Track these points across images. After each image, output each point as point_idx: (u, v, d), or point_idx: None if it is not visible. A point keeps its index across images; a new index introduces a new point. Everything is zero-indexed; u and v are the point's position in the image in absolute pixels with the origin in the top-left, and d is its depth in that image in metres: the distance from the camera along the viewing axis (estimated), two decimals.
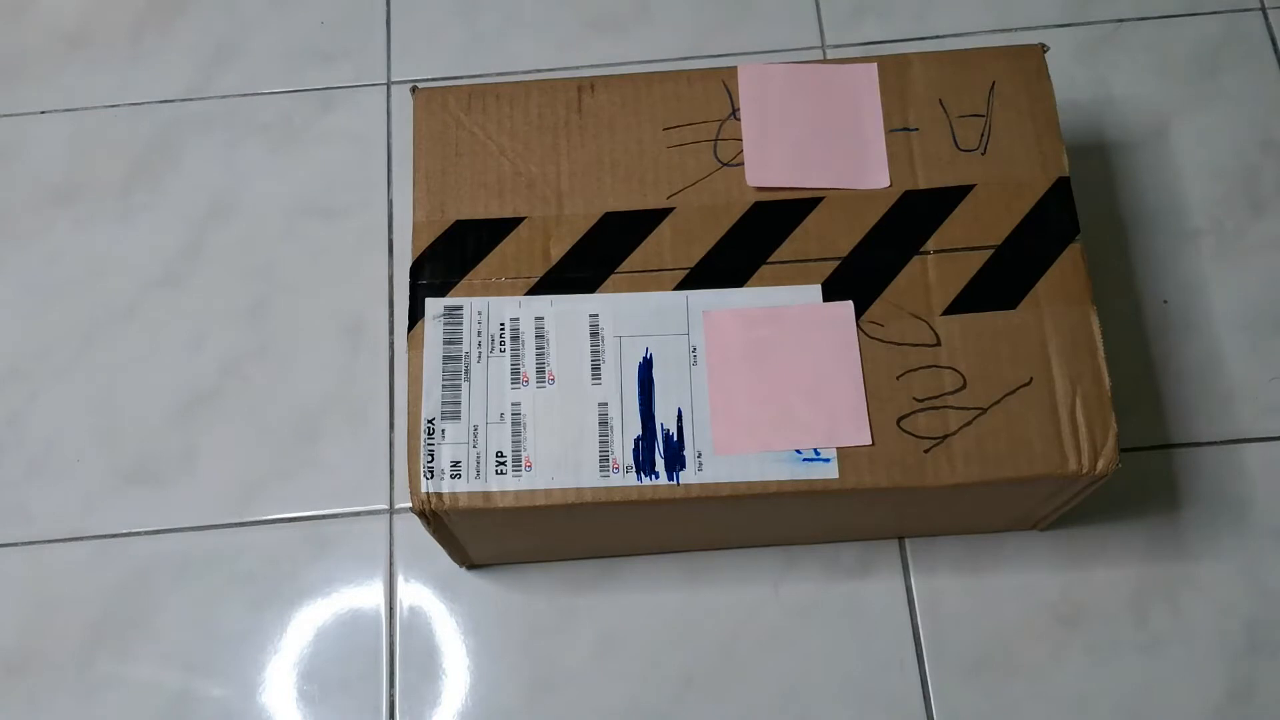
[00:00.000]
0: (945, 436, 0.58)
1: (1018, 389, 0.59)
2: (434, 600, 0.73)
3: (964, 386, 0.59)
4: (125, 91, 0.87)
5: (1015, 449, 0.58)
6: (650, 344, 0.60)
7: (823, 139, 0.64)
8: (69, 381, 0.79)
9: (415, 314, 0.61)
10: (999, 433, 0.58)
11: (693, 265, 0.61)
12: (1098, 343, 0.60)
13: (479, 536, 0.66)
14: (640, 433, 0.58)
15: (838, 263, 0.61)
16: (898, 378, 0.59)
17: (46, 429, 0.78)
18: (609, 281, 0.61)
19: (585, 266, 0.61)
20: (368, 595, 0.73)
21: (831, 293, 0.61)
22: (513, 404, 0.59)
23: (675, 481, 0.58)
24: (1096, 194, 0.81)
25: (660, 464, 0.58)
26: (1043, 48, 0.66)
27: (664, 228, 0.62)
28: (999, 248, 0.62)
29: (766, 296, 0.61)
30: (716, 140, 0.64)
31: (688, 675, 0.70)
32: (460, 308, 0.61)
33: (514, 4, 0.89)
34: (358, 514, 0.75)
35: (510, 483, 0.58)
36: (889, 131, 0.64)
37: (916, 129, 0.64)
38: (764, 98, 0.65)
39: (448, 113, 0.65)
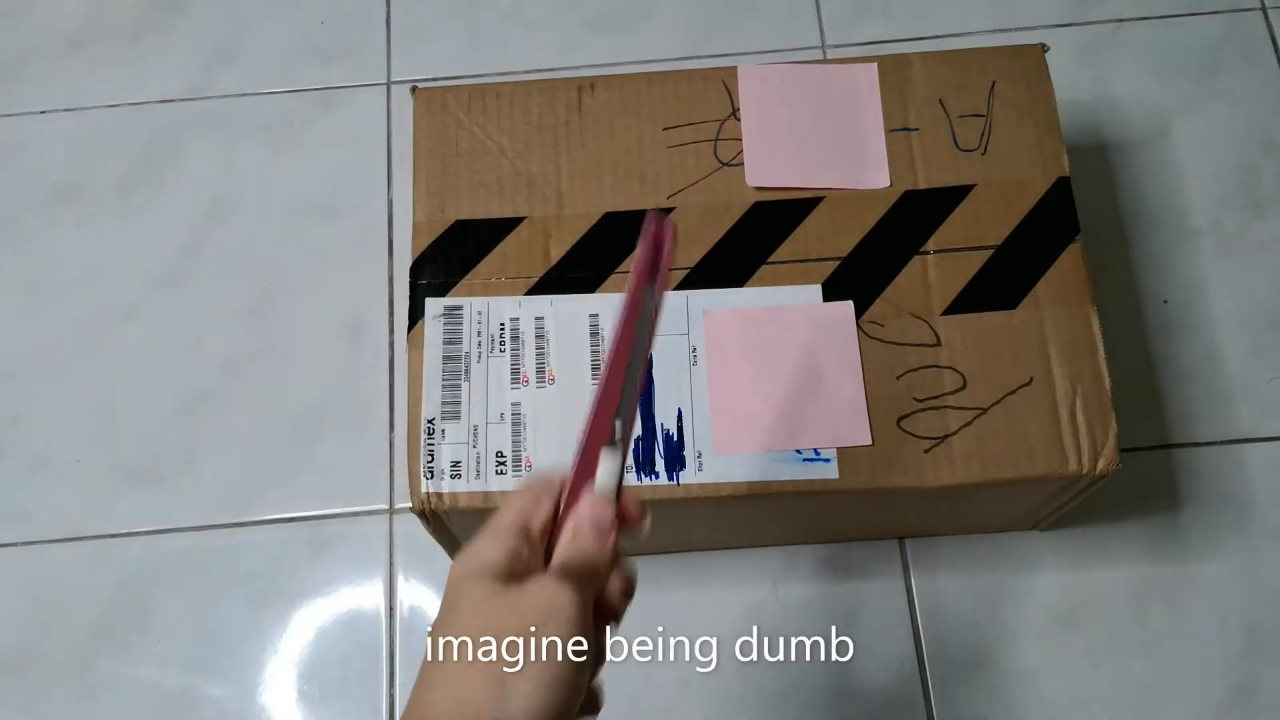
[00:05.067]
0: (945, 436, 0.58)
1: (1018, 389, 0.59)
2: (434, 600, 0.73)
3: (964, 386, 0.59)
4: (125, 91, 0.87)
5: (1015, 449, 0.58)
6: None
7: (823, 139, 0.64)
8: (69, 381, 0.79)
9: (415, 314, 0.61)
10: (999, 433, 0.58)
11: (693, 265, 0.61)
12: (1098, 343, 0.60)
13: None
14: (640, 433, 0.58)
15: (838, 263, 0.61)
16: (898, 378, 0.59)
17: (46, 429, 0.78)
18: (609, 281, 0.61)
19: (585, 266, 0.61)
20: (368, 595, 0.73)
21: (831, 293, 0.61)
22: (513, 404, 0.59)
23: (675, 481, 0.58)
24: (1096, 194, 0.81)
25: (660, 464, 0.58)
26: (1043, 48, 0.66)
27: None
28: (999, 248, 0.62)
29: (766, 296, 0.61)
30: (716, 140, 0.64)
31: (686, 675, 0.70)
32: (460, 308, 0.61)
33: (514, 4, 0.89)
34: (358, 514, 0.75)
35: (510, 483, 0.58)
36: (889, 131, 0.64)
37: (916, 129, 0.64)
38: (764, 98, 0.65)
39: (448, 113, 0.65)
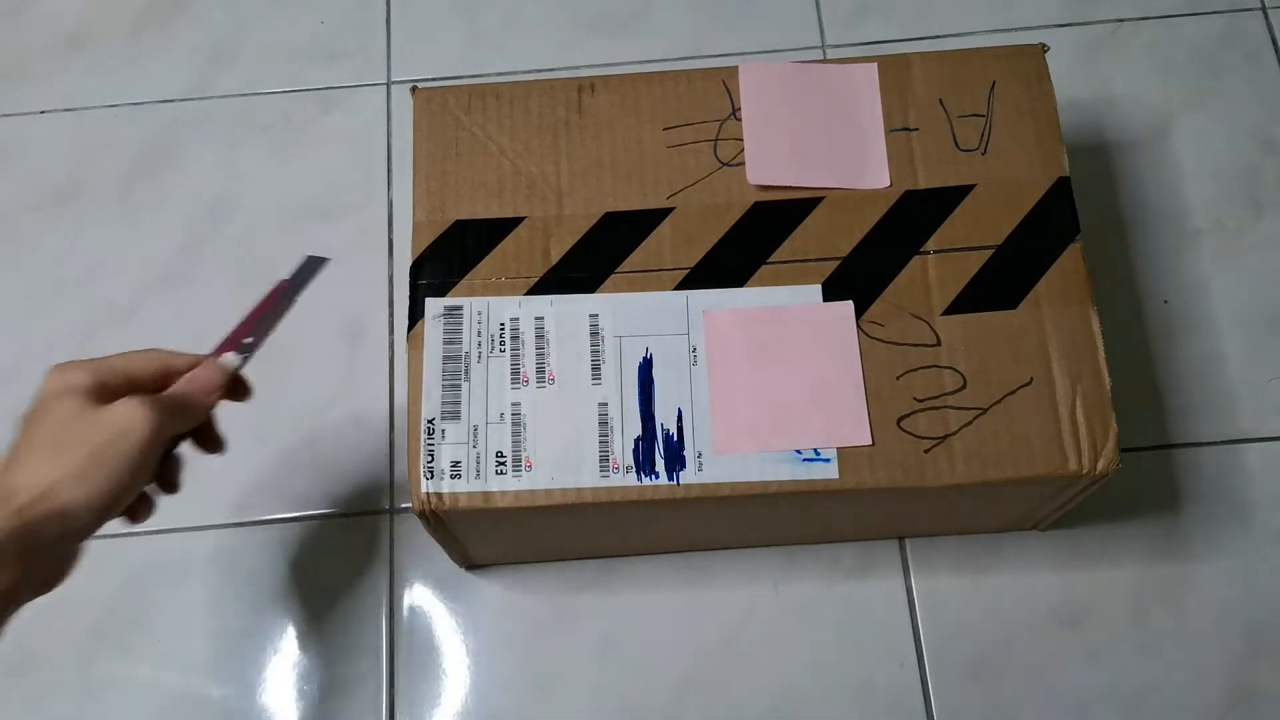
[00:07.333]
0: (945, 436, 0.58)
1: (1018, 389, 0.59)
2: (434, 600, 0.73)
3: (964, 386, 0.59)
4: (125, 91, 0.87)
5: (1015, 449, 0.58)
6: (650, 344, 0.60)
7: (823, 139, 0.64)
8: None
9: (415, 314, 0.61)
10: (999, 433, 0.58)
11: (693, 265, 0.61)
12: (1098, 343, 0.60)
13: (479, 536, 0.66)
14: (640, 433, 0.58)
15: (838, 263, 0.61)
16: (898, 378, 0.59)
17: None
18: (609, 281, 0.61)
19: (585, 266, 0.61)
20: (368, 595, 0.73)
21: (831, 293, 0.61)
22: (513, 404, 0.59)
23: (675, 481, 0.58)
24: (1096, 194, 0.81)
25: (660, 464, 0.58)
26: (1043, 48, 0.66)
27: (664, 228, 0.62)
28: (999, 248, 0.62)
29: (766, 296, 0.61)
30: (716, 140, 0.64)
31: (687, 675, 0.70)
32: (460, 308, 0.61)
33: (514, 4, 0.89)
34: (358, 514, 0.75)
35: (510, 483, 0.58)
36: (889, 131, 0.64)
37: (916, 129, 0.64)
38: (764, 97, 0.65)
39: (448, 113, 0.65)
